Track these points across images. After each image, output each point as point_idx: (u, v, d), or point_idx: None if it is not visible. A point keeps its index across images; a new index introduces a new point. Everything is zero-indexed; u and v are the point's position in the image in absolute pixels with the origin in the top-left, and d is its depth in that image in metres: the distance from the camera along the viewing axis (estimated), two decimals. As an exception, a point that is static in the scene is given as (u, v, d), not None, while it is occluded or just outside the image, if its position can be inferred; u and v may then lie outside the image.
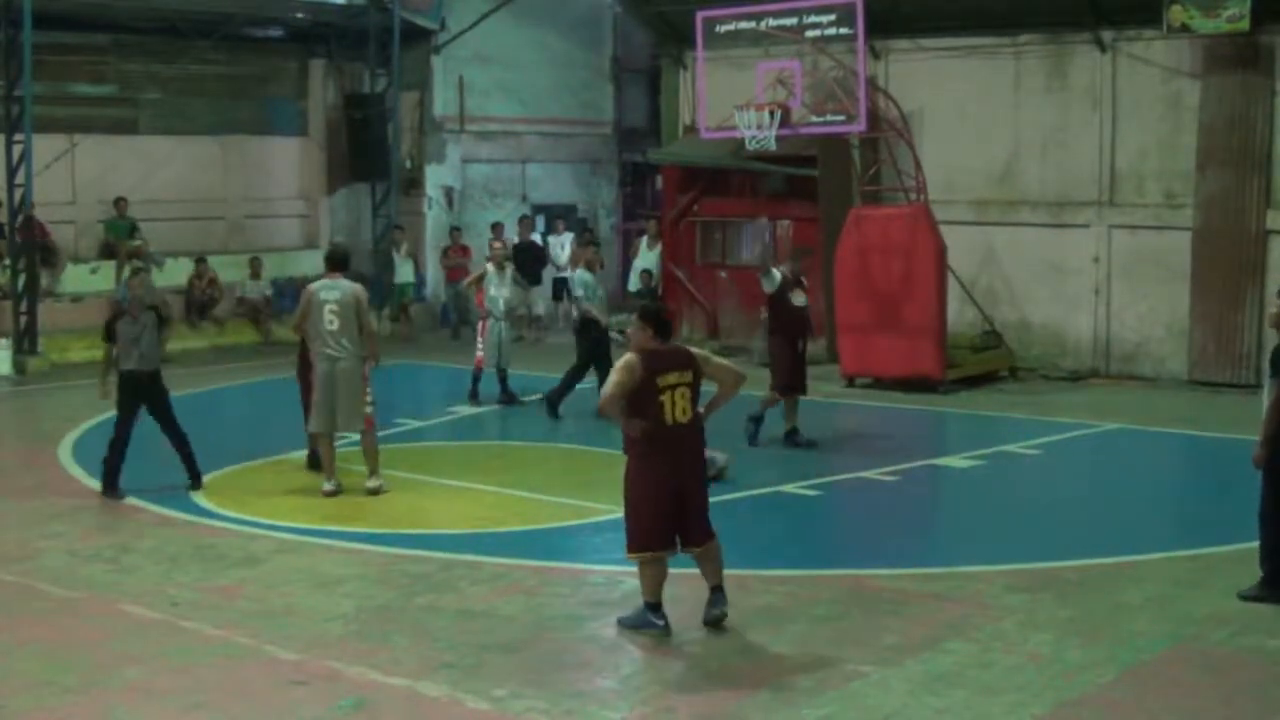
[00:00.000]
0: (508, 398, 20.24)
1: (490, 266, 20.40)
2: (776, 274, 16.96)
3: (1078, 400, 20.92)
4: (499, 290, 20.09)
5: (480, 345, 20.23)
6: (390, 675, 9.40)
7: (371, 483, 14.60)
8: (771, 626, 10.17)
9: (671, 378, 10.01)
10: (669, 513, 10.09)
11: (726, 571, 10.42)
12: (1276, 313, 11.33)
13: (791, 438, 16.88)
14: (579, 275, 19.63)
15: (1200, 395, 21.05)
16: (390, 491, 14.67)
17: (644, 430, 9.91)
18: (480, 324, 20.36)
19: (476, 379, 20.17)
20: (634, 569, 11.97)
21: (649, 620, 10.22)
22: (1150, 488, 15.94)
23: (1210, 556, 12.33)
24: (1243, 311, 21.31)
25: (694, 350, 10.45)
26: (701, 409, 10.29)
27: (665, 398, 9.97)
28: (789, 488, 14.79)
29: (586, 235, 29.35)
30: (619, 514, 13.80)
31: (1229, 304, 21.45)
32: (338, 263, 14.82)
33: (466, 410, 19.75)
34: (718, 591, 10.33)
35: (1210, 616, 10.67)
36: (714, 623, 10.27)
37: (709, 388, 10.43)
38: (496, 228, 28.94)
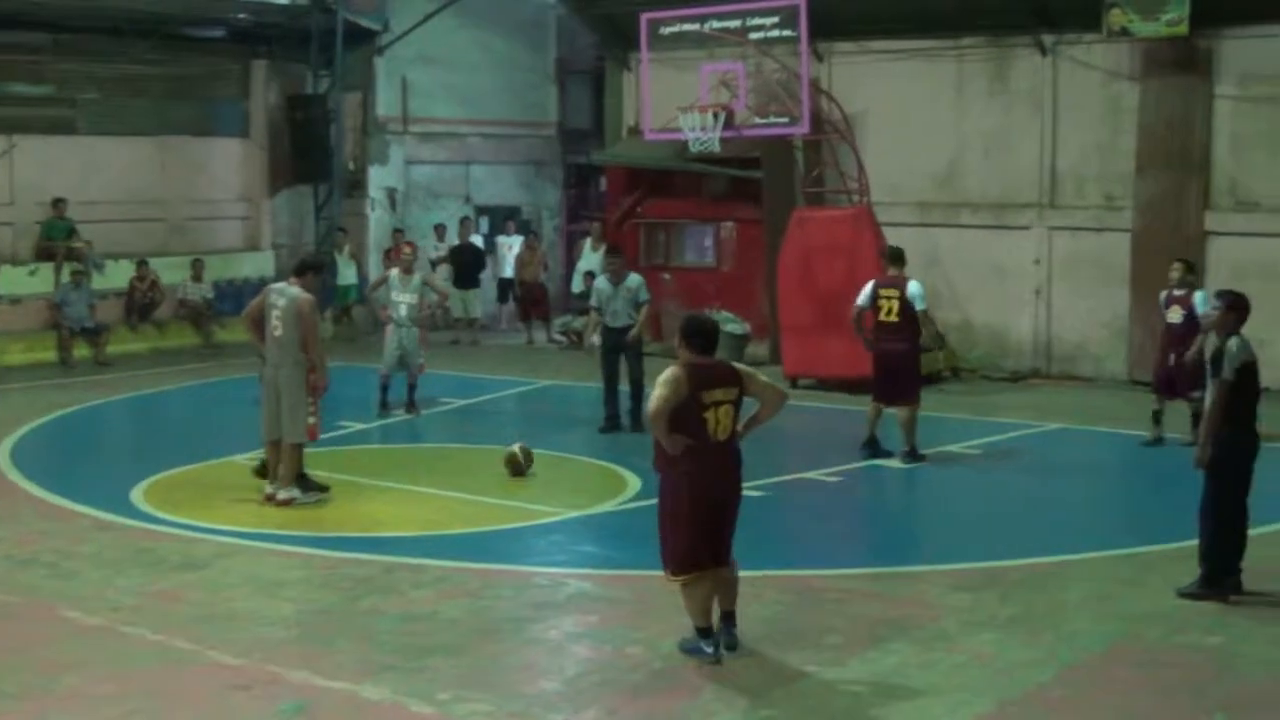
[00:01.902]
0: (411, 405, 19.66)
1: (395, 271, 20.08)
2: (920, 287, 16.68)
3: (1019, 400, 21.05)
4: (400, 295, 19.65)
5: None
6: (333, 679, 9.35)
7: (281, 493, 14.31)
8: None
9: (717, 394, 9.58)
10: (708, 530, 9.76)
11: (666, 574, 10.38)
12: (1214, 316, 11.40)
13: (875, 447, 16.65)
14: (595, 284, 18.97)
15: (1139, 395, 21.11)
16: (331, 498, 14.56)
17: (686, 448, 9.58)
18: (386, 329, 19.94)
19: (383, 387, 19.68)
20: (582, 572, 12.05)
21: (699, 648, 9.78)
22: (1090, 487, 16.03)
23: (1149, 555, 12.43)
24: (1182, 312, 21.46)
25: (739, 366, 10.05)
26: (740, 426, 9.90)
27: (709, 415, 9.59)
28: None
29: (531, 237, 29.39)
30: (562, 516, 13.94)
31: (1168, 305, 21.60)
32: (296, 269, 14.72)
33: (405, 414, 19.54)
34: (728, 619, 9.97)
35: (1149, 614, 10.76)
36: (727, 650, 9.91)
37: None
38: (439, 229, 28.95)
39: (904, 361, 16.74)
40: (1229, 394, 10.98)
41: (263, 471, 14.93)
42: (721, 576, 9.91)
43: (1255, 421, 11.20)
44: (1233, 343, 11.09)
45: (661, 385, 9.56)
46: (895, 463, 16.40)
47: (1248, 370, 11.07)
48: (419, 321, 19.88)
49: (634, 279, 18.47)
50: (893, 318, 16.53)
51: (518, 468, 15.77)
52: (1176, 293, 17.37)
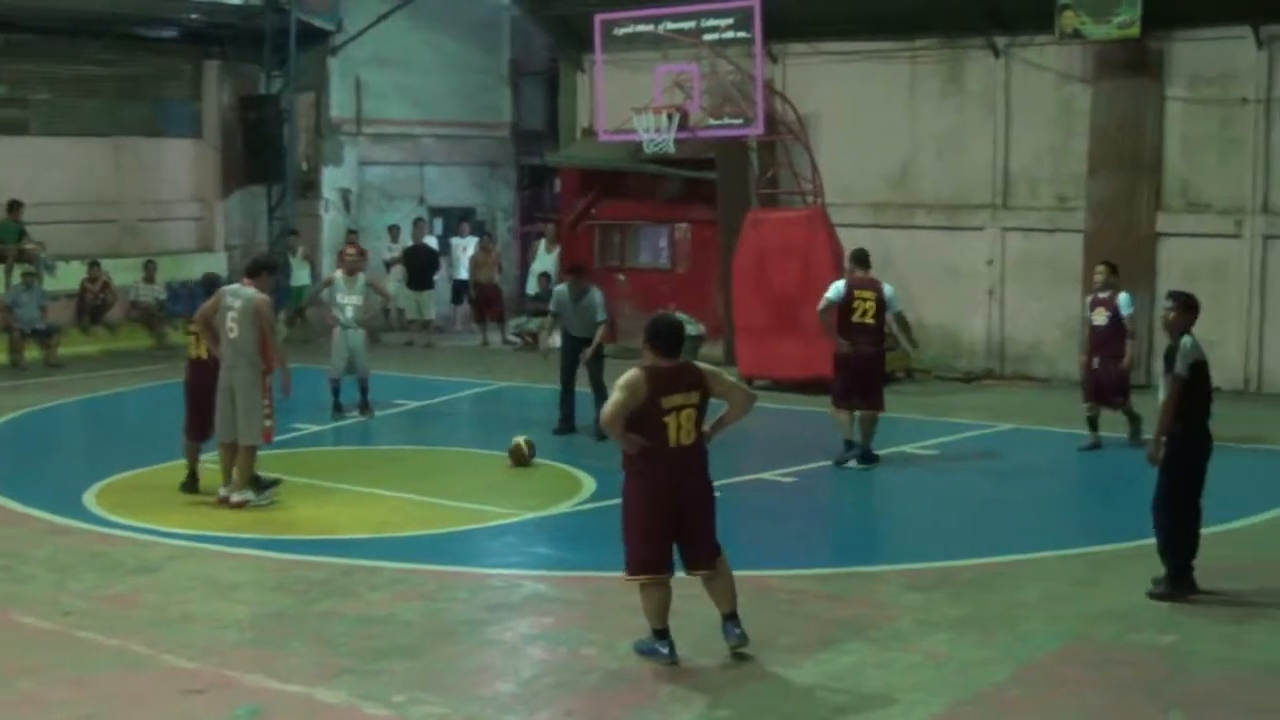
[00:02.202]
0: (365, 407, 19.62)
1: (339, 273, 20.03)
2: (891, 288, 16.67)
3: (973, 401, 21.14)
4: (346, 298, 19.54)
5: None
6: (288, 682, 9.32)
7: (235, 496, 14.24)
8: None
9: (677, 399, 9.46)
10: (667, 534, 9.64)
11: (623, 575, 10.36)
12: (1168, 315, 11.43)
13: (855, 451, 16.49)
14: (555, 290, 19.11)
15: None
16: (281, 500, 14.50)
17: (643, 448, 9.50)
18: (333, 331, 19.84)
19: (335, 390, 19.63)
20: (537, 573, 12.06)
21: (655, 649, 9.73)
22: (1044, 487, 16.10)
23: (1102, 554, 12.50)
24: (1134, 313, 21.58)
25: (703, 368, 9.80)
26: (707, 428, 9.78)
27: (670, 419, 9.43)
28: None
29: (486, 238, 29.35)
30: (517, 518, 13.94)
31: (1121, 306, 21.74)
32: (249, 270, 14.70)
33: (359, 416, 19.51)
34: (730, 620, 9.80)
35: (1103, 613, 10.81)
36: (736, 652, 9.80)
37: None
38: (393, 230, 28.89)
39: (874, 364, 16.74)
40: (1183, 391, 11.03)
41: (190, 484, 14.94)
42: (708, 581, 9.83)
43: (1208, 420, 11.25)
44: (1186, 340, 11.15)
45: (619, 389, 9.50)
46: (850, 464, 16.42)
47: (1200, 368, 11.14)
48: (365, 323, 19.87)
49: (594, 297, 18.17)
50: (868, 319, 16.39)
51: (520, 458, 16.29)
52: (1101, 295, 17.33)
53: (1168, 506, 11.20)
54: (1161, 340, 11.63)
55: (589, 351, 18.04)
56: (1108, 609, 10.92)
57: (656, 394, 9.46)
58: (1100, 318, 17.26)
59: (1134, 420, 17.13)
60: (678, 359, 9.70)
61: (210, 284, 15.83)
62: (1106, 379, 17.18)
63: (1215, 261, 21.37)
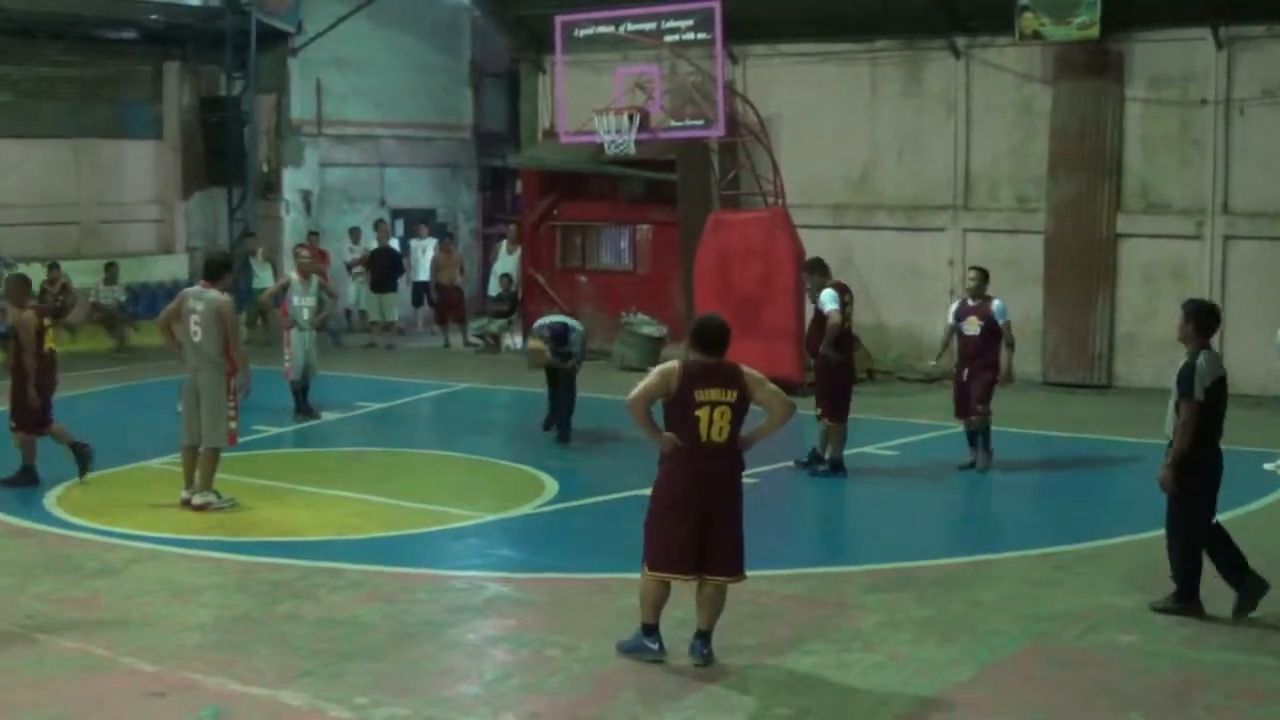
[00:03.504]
0: (304, 409, 19.58)
1: (294, 275, 20.01)
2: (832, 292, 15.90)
3: (934, 401, 21.11)
4: (302, 300, 19.57)
5: (287, 356, 19.66)
6: (250, 685, 9.29)
7: (197, 498, 14.18)
8: (633, 629, 10.18)
9: (712, 394, 9.43)
10: (690, 534, 9.53)
11: (587, 576, 10.37)
12: (1181, 325, 10.78)
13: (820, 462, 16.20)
14: (536, 326, 18.81)
15: (1054, 395, 21.40)
16: (243, 503, 14.42)
17: (671, 444, 9.51)
18: (285, 334, 19.84)
19: (295, 392, 19.60)
20: (500, 575, 12.05)
21: (644, 645, 9.73)
22: (1005, 487, 16.13)
23: (1063, 555, 12.54)
24: (1094, 313, 21.69)
25: (746, 370, 9.65)
26: (745, 435, 9.71)
27: (702, 413, 9.42)
28: (649, 491, 14.77)
29: (447, 240, 29.29)
30: (479, 520, 13.92)
31: (1081, 306, 21.83)
32: (209, 272, 14.63)
33: (327, 417, 19.53)
34: (701, 638, 9.71)
35: (1064, 614, 10.85)
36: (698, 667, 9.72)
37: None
38: (353, 232, 28.82)
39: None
40: (1201, 415, 10.47)
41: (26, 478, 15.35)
42: (701, 589, 9.70)
43: (1220, 438, 10.75)
44: (1201, 359, 10.51)
45: (652, 373, 9.61)
46: (820, 470, 16.24)
47: (1217, 387, 10.56)
48: (321, 324, 19.92)
49: (571, 345, 17.96)
50: (849, 324, 16.20)
51: (540, 357, 17.36)
52: (972, 303, 16.29)
53: (1189, 531, 10.75)
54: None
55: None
56: (1070, 609, 10.96)
57: (690, 385, 9.46)
58: (973, 327, 16.21)
59: (986, 438, 16.23)
60: (720, 358, 9.63)
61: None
62: (971, 389, 16.14)
63: (1175, 262, 21.44)
